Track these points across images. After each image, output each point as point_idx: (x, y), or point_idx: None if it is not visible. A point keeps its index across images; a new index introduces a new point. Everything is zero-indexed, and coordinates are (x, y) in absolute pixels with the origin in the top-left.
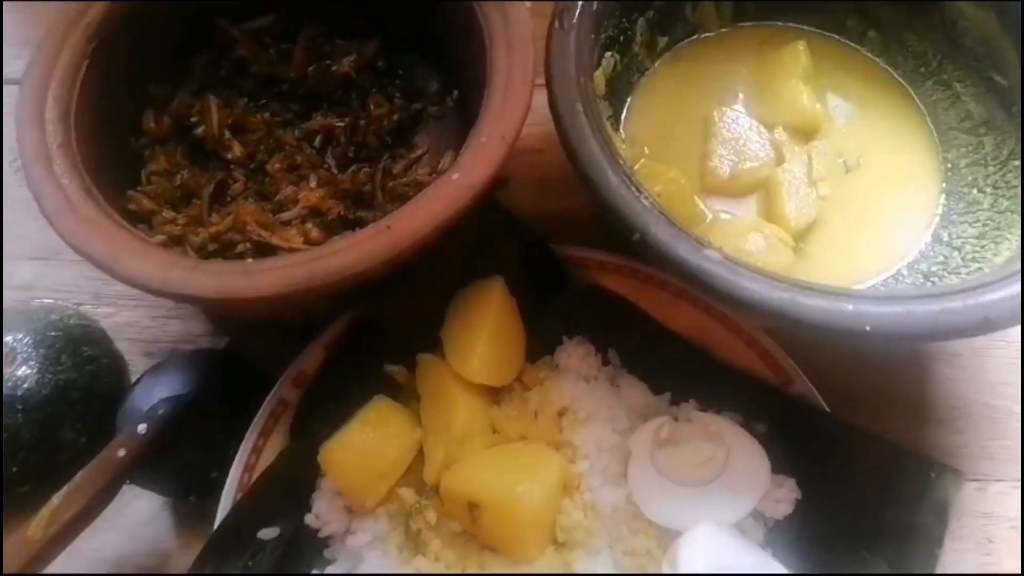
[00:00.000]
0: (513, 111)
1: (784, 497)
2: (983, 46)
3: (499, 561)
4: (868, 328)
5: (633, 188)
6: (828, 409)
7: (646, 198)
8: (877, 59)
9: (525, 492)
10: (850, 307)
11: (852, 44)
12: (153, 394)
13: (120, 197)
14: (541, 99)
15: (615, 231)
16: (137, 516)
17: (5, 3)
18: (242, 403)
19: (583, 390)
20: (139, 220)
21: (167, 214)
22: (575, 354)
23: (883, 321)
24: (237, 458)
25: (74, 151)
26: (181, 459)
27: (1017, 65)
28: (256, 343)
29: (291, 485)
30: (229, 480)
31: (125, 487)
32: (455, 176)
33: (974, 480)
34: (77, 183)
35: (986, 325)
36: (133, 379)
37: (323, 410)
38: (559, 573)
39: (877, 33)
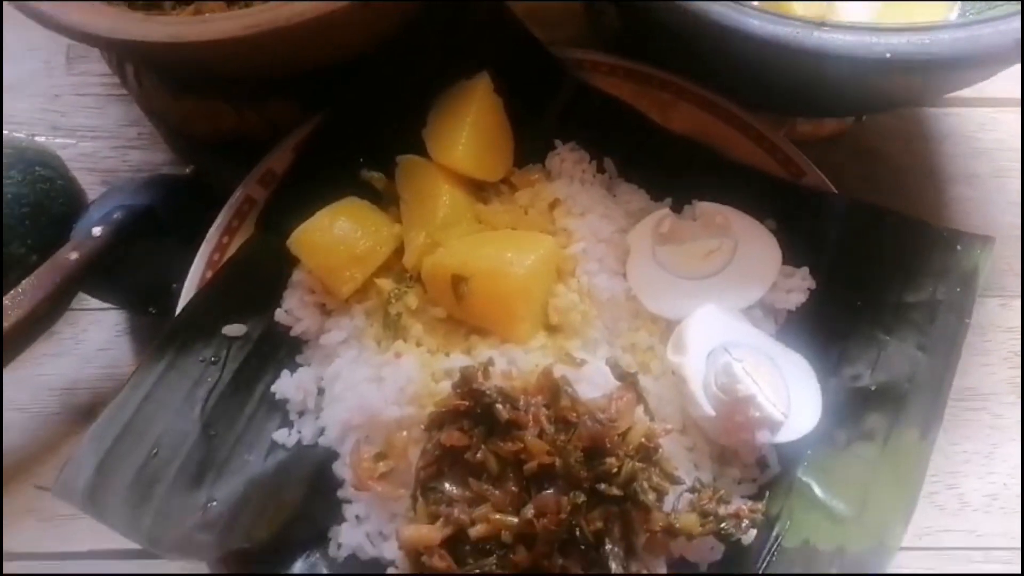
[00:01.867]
0: None
1: (796, 286)
2: None
3: (487, 344)
4: (888, 56)
5: None
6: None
7: None
8: None
9: (515, 258)
10: (871, 37)
11: None
12: (109, 206)
13: None
14: None
15: None
16: (94, 342)
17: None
18: (203, 222)
19: (578, 189)
20: None
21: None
22: (568, 159)
23: (906, 48)
24: (199, 254)
25: None
26: (139, 271)
27: None
28: (221, 172)
29: (259, 279)
30: (190, 276)
31: (81, 312)
32: None
33: (998, 296)
34: None
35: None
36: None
37: (293, 208)
38: None
39: None
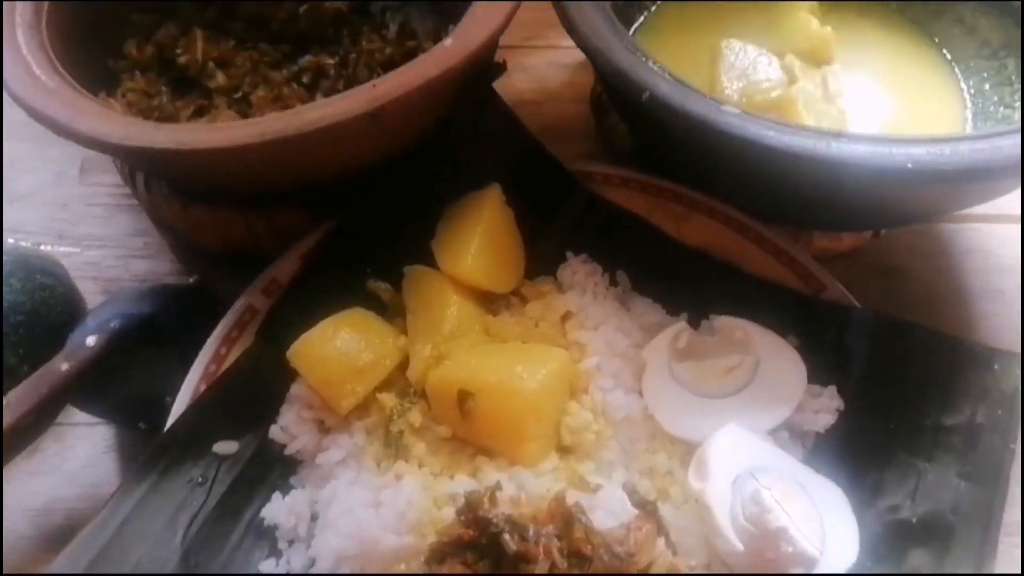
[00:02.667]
0: None
1: (824, 407)
2: None
3: (495, 466)
4: (910, 166)
5: (639, 54)
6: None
7: (654, 63)
8: (886, 1)
9: (525, 374)
10: (891, 148)
11: None
12: (107, 314)
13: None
14: (538, 57)
15: (624, 98)
16: (78, 459)
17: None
18: (204, 333)
19: (590, 301)
20: None
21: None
22: (580, 272)
23: (928, 158)
24: (194, 365)
25: (42, 37)
26: (132, 383)
27: None
28: (226, 283)
29: (255, 393)
30: (183, 389)
31: (69, 427)
32: (448, 42)
33: None
34: (42, 59)
35: None
36: None
37: (295, 319)
38: None
39: None
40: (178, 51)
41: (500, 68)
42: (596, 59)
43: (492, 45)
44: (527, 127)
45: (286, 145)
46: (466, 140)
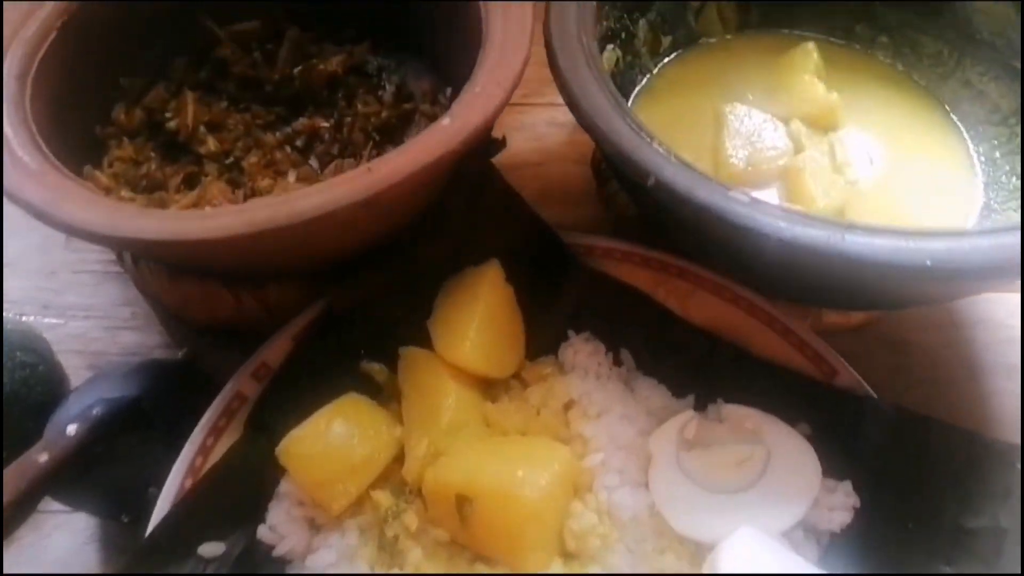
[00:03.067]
0: (511, 60)
1: (840, 504)
2: (1001, 37)
3: (496, 573)
4: (928, 263)
5: (644, 134)
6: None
7: (658, 144)
8: (892, 63)
9: (526, 479)
10: (908, 242)
11: (863, 49)
12: (90, 397)
13: (75, 173)
14: (536, 115)
15: (628, 181)
16: (57, 549)
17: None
18: (193, 413)
19: (593, 386)
20: None
21: (125, 194)
22: (583, 351)
23: (947, 255)
24: (180, 458)
25: (26, 111)
26: (115, 471)
27: None
28: (216, 356)
29: (243, 490)
30: (167, 485)
31: (47, 514)
32: (445, 122)
33: None
34: (24, 137)
35: None
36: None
37: (286, 406)
38: None
39: (888, 38)
40: (168, 115)
41: (500, 144)
42: (599, 140)
43: (491, 123)
44: (527, 201)
45: (275, 235)
46: (464, 215)
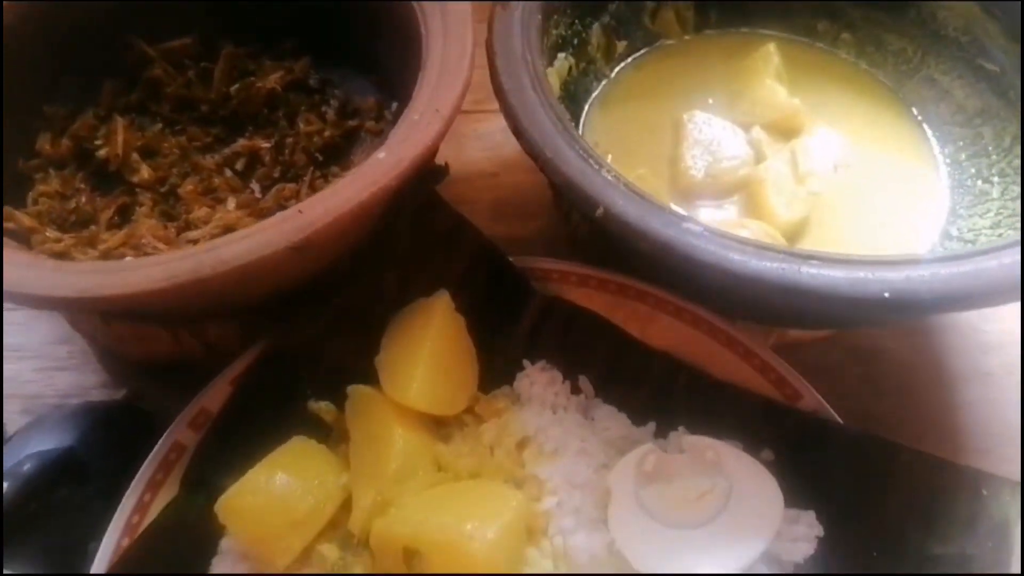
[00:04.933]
0: (450, 85)
1: (803, 535)
2: (967, 34)
3: None
4: (887, 295)
5: (592, 162)
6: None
7: (608, 172)
8: (855, 61)
9: (476, 530)
10: (865, 273)
11: (826, 48)
12: (22, 451)
13: None
14: (492, 123)
15: (576, 210)
16: None
17: None
18: (132, 461)
19: (549, 420)
20: (16, 239)
21: (51, 234)
22: (539, 381)
23: (905, 286)
24: (116, 516)
25: None
26: (51, 528)
27: (1007, 48)
28: (158, 394)
29: (182, 547)
30: (103, 546)
31: None
32: (381, 155)
33: None
34: None
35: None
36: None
37: (226, 456)
38: None
39: (851, 35)
40: (98, 142)
41: (442, 172)
42: (545, 169)
43: (431, 154)
44: (476, 226)
45: (199, 286)
46: (411, 243)
